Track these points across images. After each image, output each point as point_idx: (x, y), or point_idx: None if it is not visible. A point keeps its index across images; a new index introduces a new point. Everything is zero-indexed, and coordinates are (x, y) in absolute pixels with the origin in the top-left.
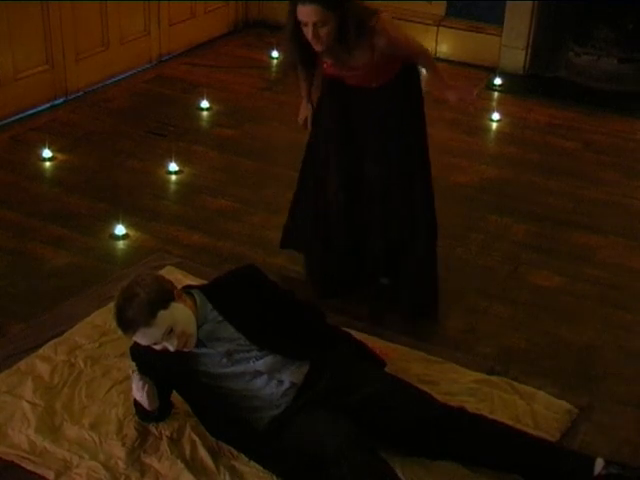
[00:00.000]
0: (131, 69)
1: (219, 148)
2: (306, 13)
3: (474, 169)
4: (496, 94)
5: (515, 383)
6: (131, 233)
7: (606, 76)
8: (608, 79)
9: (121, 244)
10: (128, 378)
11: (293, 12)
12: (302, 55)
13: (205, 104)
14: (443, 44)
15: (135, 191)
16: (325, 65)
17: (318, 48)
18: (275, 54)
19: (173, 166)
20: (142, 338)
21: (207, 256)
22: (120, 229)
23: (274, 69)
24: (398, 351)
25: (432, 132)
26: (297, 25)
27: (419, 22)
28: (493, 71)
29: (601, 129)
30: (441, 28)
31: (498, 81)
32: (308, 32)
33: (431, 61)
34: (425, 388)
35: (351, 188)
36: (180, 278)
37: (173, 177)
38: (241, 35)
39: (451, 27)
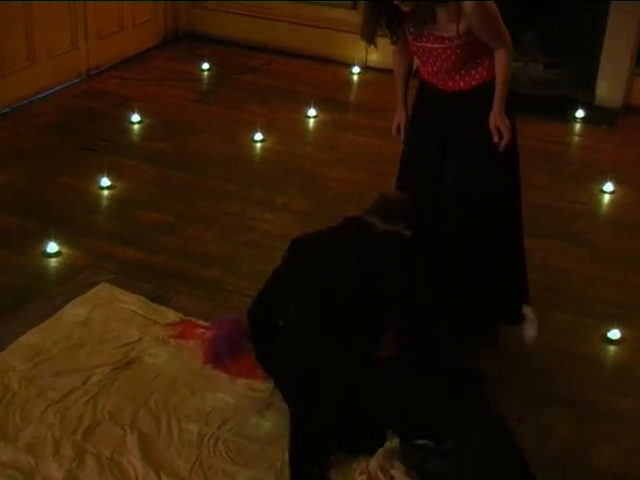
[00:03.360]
0: (60, 84)
1: (151, 162)
2: None
3: None
4: None
5: None
6: (63, 250)
7: (533, 82)
8: (535, 85)
9: (53, 261)
10: (64, 398)
11: None
12: (383, 13)
13: (136, 118)
14: (373, 53)
15: (67, 207)
16: (410, 37)
17: (405, 9)
18: (205, 66)
19: (105, 181)
20: None
21: (142, 271)
22: (52, 246)
23: (205, 81)
24: None
25: (364, 140)
26: None
27: (348, 31)
28: None
29: (530, 134)
30: None
31: None
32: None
33: (508, 63)
34: None
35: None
36: (116, 295)
37: (105, 192)
38: (170, 48)
39: (380, 35)
